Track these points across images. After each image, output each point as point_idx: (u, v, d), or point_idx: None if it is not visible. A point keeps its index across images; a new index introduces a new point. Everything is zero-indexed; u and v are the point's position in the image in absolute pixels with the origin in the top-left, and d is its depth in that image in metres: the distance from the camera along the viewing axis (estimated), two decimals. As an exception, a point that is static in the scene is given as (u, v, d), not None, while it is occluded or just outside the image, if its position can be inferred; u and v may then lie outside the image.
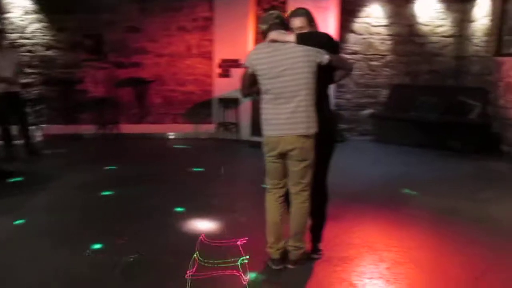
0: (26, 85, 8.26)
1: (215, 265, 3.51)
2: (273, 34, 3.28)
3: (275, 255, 3.49)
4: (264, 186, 3.58)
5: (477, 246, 3.98)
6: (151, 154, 7.75)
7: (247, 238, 3.61)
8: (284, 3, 8.18)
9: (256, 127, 8.38)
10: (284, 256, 3.52)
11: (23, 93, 7.37)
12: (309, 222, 3.62)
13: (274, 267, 3.48)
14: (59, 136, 8.49)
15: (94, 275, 3.42)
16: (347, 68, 3.53)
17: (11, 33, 8.55)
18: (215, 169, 6.50)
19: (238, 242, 3.60)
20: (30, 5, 8.59)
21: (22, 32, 8.66)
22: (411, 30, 8.98)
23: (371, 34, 8.99)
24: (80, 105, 8.83)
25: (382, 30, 8.97)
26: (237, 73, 8.47)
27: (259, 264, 3.54)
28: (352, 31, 8.95)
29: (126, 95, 8.93)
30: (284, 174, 3.44)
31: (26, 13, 8.62)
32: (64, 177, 6.06)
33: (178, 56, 8.88)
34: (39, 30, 8.67)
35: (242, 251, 3.58)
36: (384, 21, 8.95)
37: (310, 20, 3.40)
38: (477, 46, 8.46)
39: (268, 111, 3.34)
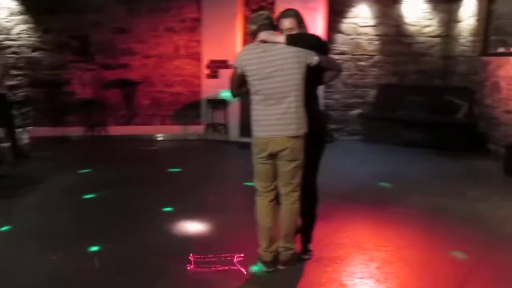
0: (12, 87, 8.18)
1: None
2: (263, 35, 3.27)
3: (267, 257, 3.48)
4: (246, 184, 3.56)
5: (465, 244, 4.01)
6: (139, 155, 7.71)
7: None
8: (272, 4, 8.19)
9: (244, 128, 8.38)
10: (276, 258, 3.51)
11: (10, 95, 7.29)
12: (299, 222, 3.62)
13: (266, 269, 3.47)
14: (46, 139, 8.41)
15: (84, 277, 3.39)
16: (336, 69, 3.53)
17: (-4, 35, 8.47)
18: (203, 170, 6.48)
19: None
20: (15, 6, 8.51)
21: (8, 34, 8.57)
22: (398, 30, 9.04)
23: (358, 34, 9.03)
24: (67, 107, 8.76)
25: (369, 30, 9.02)
26: (225, 74, 8.46)
27: (248, 265, 3.53)
28: (340, 32, 8.99)
29: (114, 97, 8.87)
30: (275, 175, 3.43)
31: (12, 14, 8.53)
32: (51, 179, 6.00)
33: (166, 57, 8.85)
34: (24, 32, 8.59)
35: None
36: (371, 22, 8.99)
37: (300, 21, 3.40)
38: (464, 46, 8.54)
39: (258, 112, 3.33)
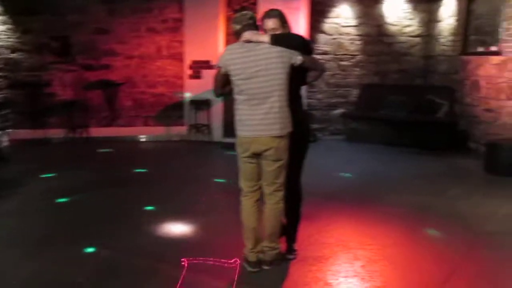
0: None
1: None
2: (247, 34, 3.27)
3: (252, 258, 3.47)
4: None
5: (449, 242, 4.06)
6: (122, 157, 7.63)
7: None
8: (254, 4, 8.18)
9: (228, 128, 8.37)
10: (261, 258, 3.51)
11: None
12: (284, 222, 3.62)
13: (250, 269, 3.46)
14: (27, 141, 8.26)
15: (68, 282, 3.34)
16: (320, 69, 3.55)
17: (-26, 36, 8.32)
18: (186, 171, 6.45)
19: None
20: (-7, 7, 8.36)
21: (-14, 35, 8.42)
22: (379, 30, 9.12)
23: (341, 34, 9.08)
24: (48, 108, 8.63)
25: (351, 30, 9.07)
26: (208, 75, 8.43)
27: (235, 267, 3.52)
28: (322, 32, 9.02)
29: (96, 98, 8.78)
30: (259, 175, 3.43)
31: (-10, 15, 8.38)
32: (31, 182, 5.90)
33: (148, 57, 8.78)
34: (3, 32, 8.43)
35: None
36: (353, 22, 9.05)
37: (283, 22, 3.41)
38: (444, 45, 8.65)
39: (242, 112, 3.33)
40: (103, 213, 4.81)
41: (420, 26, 9.14)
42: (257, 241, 3.48)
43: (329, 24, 9.03)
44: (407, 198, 5.30)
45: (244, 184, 3.49)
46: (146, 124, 8.98)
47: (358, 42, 9.13)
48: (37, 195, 5.38)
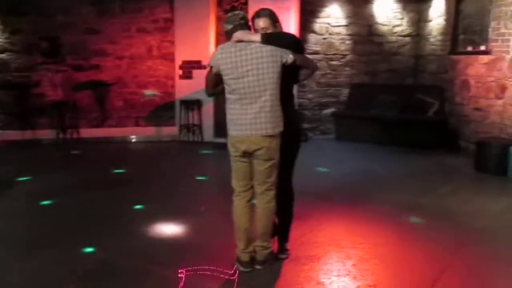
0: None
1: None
2: (238, 34, 3.27)
3: (245, 258, 3.47)
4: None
5: (439, 240, 4.09)
6: (112, 158, 7.59)
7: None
8: (245, 4, 8.18)
9: (219, 129, 8.37)
10: (253, 258, 3.51)
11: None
12: (276, 222, 3.63)
13: (243, 269, 3.46)
14: (16, 142, 8.20)
15: (59, 283, 3.31)
16: (312, 67, 3.55)
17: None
18: (179, 171, 6.44)
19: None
20: (-19, 7, 8.28)
21: (-26, 35, 8.34)
22: (370, 30, 9.16)
23: (331, 34, 9.10)
24: (37, 109, 8.56)
25: (342, 30, 9.10)
26: (199, 75, 8.43)
27: (227, 267, 3.52)
28: (313, 31, 9.04)
29: (86, 99, 8.72)
30: (252, 174, 3.43)
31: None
32: (20, 184, 5.86)
33: (139, 58, 8.75)
34: (-9, 33, 8.36)
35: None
36: (343, 21, 9.08)
37: (275, 21, 3.41)
38: (434, 45, 8.70)
39: (233, 111, 3.32)
40: (93, 214, 4.79)
41: (409, 26, 9.20)
42: (249, 241, 3.48)
43: (319, 24, 9.04)
44: (397, 196, 5.33)
45: (236, 183, 3.49)
46: (137, 124, 8.95)
47: (348, 42, 9.16)
48: (26, 197, 5.34)
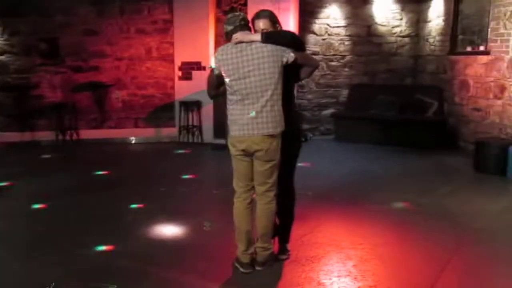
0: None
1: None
2: (238, 35, 3.27)
3: (245, 259, 3.47)
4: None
5: (439, 240, 4.09)
6: (111, 159, 7.59)
7: None
8: (244, 5, 8.19)
9: (218, 130, 8.37)
10: (253, 259, 3.50)
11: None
12: (277, 223, 3.63)
13: (243, 270, 3.46)
14: (15, 144, 8.19)
15: (57, 283, 3.31)
16: (313, 65, 3.56)
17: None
18: (178, 173, 6.44)
19: None
20: (-20, 9, 8.28)
21: (-27, 37, 8.34)
22: (369, 31, 9.17)
23: (330, 35, 9.11)
24: (37, 111, 8.55)
25: (341, 31, 9.11)
26: (198, 76, 8.44)
27: (227, 268, 3.52)
28: (312, 32, 9.05)
29: (85, 100, 8.72)
30: (253, 174, 3.43)
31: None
32: (19, 185, 5.85)
33: (138, 59, 8.74)
34: (-10, 34, 8.36)
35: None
36: (342, 22, 9.09)
37: (274, 22, 3.41)
38: (433, 45, 8.72)
39: (235, 112, 3.32)
40: (92, 215, 4.78)
41: (408, 27, 9.21)
42: (250, 243, 3.47)
43: (318, 24, 9.06)
44: (397, 197, 5.33)
45: (237, 184, 3.49)
46: (136, 125, 8.94)
47: (348, 43, 9.17)
48: (25, 198, 5.32)
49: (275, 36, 3.29)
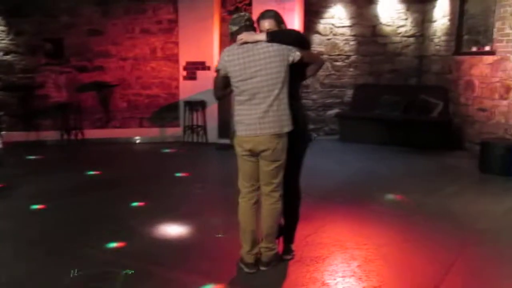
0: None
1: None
2: (243, 36, 3.27)
3: (249, 259, 3.46)
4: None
5: (443, 240, 4.08)
6: (116, 159, 7.61)
7: None
8: (249, 4, 8.18)
9: (223, 129, 8.38)
10: (258, 260, 3.50)
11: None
12: (282, 223, 3.63)
13: (247, 270, 3.45)
14: (20, 143, 8.22)
15: (60, 283, 3.31)
16: (318, 62, 3.56)
17: (-34, 38, 8.27)
18: (181, 172, 6.45)
19: None
20: (-15, 9, 8.32)
21: (-21, 37, 8.38)
22: (374, 31, 9.15)
23: (335, 35, 9.10)
24: (42, 111, 8.58)
25: (345, 31, 9.10)
26: (203, 76, 8.45)
27: (231, 268, 3.52)
28: (317, 32, 9.05)
29: (90, 100, 8.74)
30: (259, 175, 3.43)
31: (-18, 17, 8.34)
32: (24, 185, 5.86)
33: (143, 59, 8.76)
34: (-4, 34, 8.40)
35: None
36: (347, 22, 9.08)
37: (279, 22, 3.42)
38: (438, 45, 8.69)
39: (242, 112, 3.32)
40: (95, 215, 4.79)
41: (413, 27, 9.19)
42: (255, 243, 3.47)
43: (323, 24, 9.05)
44: (401, 197, 5.32)
45: (242, 184, 3.48)
46: (141, 125, 8.96)
47: (352, 43, 9.16)
48: (29, 198, 5.33)
49: (280, 35, 3.29)
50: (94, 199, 5.30)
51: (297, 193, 3.65)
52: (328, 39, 9.10)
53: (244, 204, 3.48)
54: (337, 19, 9.04)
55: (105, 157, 7.71)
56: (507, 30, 6.58)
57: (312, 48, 8.78)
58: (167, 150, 8.05)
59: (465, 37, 7.97)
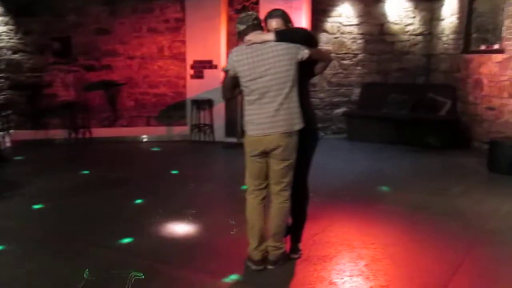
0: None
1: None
2: (250, 37, 3.27)
3: (257, 256, 3.46)
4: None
5: (451, 240, 4.05)
6: (123, 158, 7.64)
7: None
8: (256, 3, 8.17)
9: (230, 128, 8.39)
10: (265, 257, 3.50)
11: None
12: (289, 222, 3.62)
13: (255, 267, 3.46)
14: (28, 142, 8.27)
15: (67, 281, 3.32)
16: (326, 59, 3.55)
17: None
18: (189, 171, 6.45)
19: None
20: (-6, 8, 8.37)
21: (-13, 36, 8.43)
22: (381, 29, 9.11)
23: (342, 33, 9.07)
24: (49, 109, 8.63)
25: (353, 29, 9.07)
26: (210, 74, 8.46)
27: (238, 267, 3.52)
28: (324, 31, 9.02)
29: (97, 99, 8.78)
30: (267, 174, 3.43)
31: (-9, 16, 8.39)
32: (32, 183, 5.89)
33: (150, 58, 8.78)
34: (4, 33, 8.44)
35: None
36: (355, 20, 9.04)
37: (287, 21, 3.41)
38: (446, 44, 8.63)
39: (252, 112, 3.32)
40: (103, 213, 4.81)
41: (422, 25, 9.13)
42: (262, 239, 3.47)
43: (330, 23, 9.02)
44: (409, 196, 5.30)
45: (250, 182, 3.49)
46: (148, 124, 8.98)
47: (360, 41, 9.12)
48: (38, 196, 5.37)
49: (288, 34, 3.29)
50: (101, 198, 5.32)
51: (305, 192, 3.64)
52: (336, 38, 9.07)
53: (251, 200, 3.48)
54: (344, 17, 9.01)
55: (112, 156, 7.74)
56: (516, 28, 6.54)
57: (320, 47, 8.79)
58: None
59: (474, 35, 7.91)
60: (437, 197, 5.27)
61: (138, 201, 5.16)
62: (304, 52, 3.24)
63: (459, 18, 8.12)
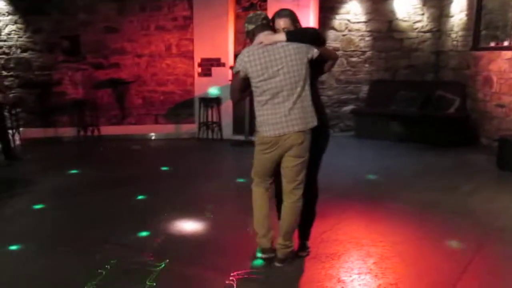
0: (2, 89, 8.11)
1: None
2: (261, 39, 3.29)
3: (266, 244, 3.48)
4: (239, 180, 3.55)
5: (460, 238, 4.03)
6: (131, 155, 7.67)
7: None
8: (264, 1, 8.16)
9: (238, 126, 8.40)
10: (273, 250, 3.50)
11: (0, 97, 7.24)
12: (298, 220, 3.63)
13: (265, 256, 3.48)
14: (38, 140, 8.34)
15: (78, 279, 3.35)
16: (334, 58, 3.57)
17: (-15, 36, 8.40)
18: (196, 168, 6.47)
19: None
20: (4, 7, 8.43)
21: (-3, 34, 8.50)
22: (390, 26, 9.06)
23: (350, 30, 9.04)
24: (59, 107, 8.69)
25: (361, 26, 9.03)
26: (217, 72, 8.48)
27: (247, 265, 3.53)
28: (332, 28, 9.00)
29: (106, 97, 8.82)
30: (274, 172, 3.46)
31: (1, 14, 8.44)
32: (42, 181, 5.94)
33: (158, 56, 8.81)
34: (14, 32, 8.50)
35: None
36: (363, 18, 9.01)
37: (294, 21, 3.43)
38: (455, 40, 8.58)
39: (265, 112, 3.31)
40: (113, 210, 4.84)
41: (430, 22, 9.07)
42: (269, 228, 3.49)
43: (338, 20, 9.00)
44: (418, 194, 5.27)
45: (255, 175, 3.53)
46: (156, 122, 9.02)
47: (368, 38, 9.08)
48: (48, 194, 5.42)
49: (298, 34, 3.31)
50: (111, 195, 5.35)
51: (315, 190, 3.64)
52: (344, 35, 9.04)
53: (256, 189, 3.54)
54: (352, 14, 8.98)
55: (121, 154, 7.77)
56: (527, 25, 6.48)
57: (328, 44, 8.76)
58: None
59: (483, 32, 7.85)
60: (447, 195, 5.24)
61: (148, 198, 5.20)
62: (315, 51, 3.28)
63: (468, 15, 8.06)
